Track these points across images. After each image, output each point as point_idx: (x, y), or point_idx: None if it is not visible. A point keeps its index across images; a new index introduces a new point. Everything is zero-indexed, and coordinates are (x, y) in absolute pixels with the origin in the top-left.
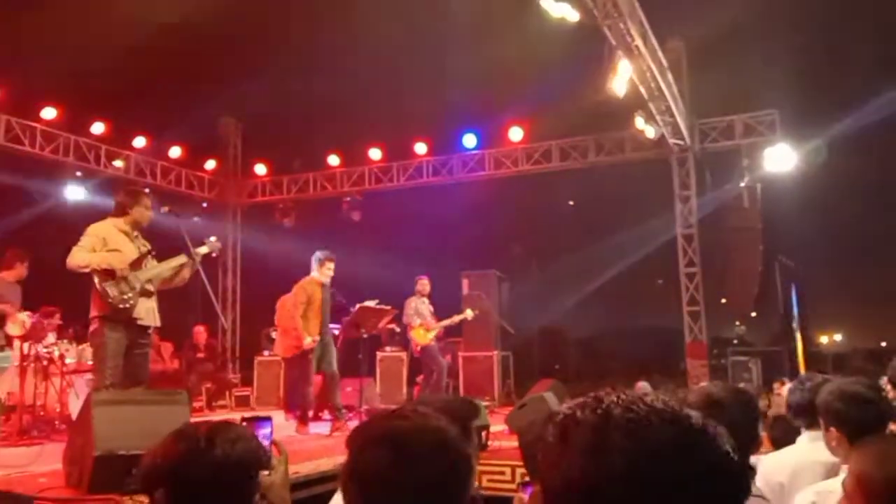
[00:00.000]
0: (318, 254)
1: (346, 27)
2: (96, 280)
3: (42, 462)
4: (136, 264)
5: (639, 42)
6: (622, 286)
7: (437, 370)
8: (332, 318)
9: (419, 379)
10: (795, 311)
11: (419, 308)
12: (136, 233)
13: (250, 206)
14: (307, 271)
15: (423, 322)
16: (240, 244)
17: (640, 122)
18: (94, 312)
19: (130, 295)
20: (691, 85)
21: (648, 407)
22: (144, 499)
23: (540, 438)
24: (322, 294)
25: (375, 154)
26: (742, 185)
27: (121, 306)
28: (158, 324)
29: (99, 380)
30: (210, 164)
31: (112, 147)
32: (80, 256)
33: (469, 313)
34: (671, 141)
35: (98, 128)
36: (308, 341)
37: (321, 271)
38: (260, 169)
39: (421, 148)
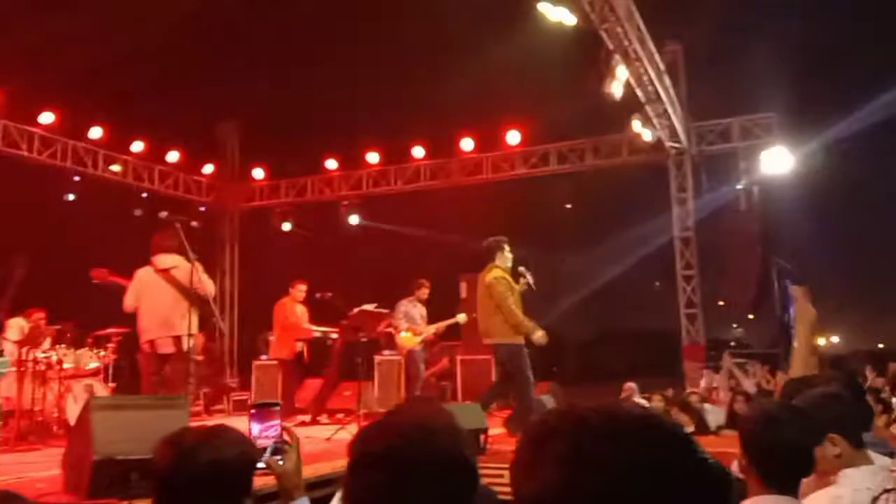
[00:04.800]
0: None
1: (342, 31)
2: None
3: (40, 467)
4: None
5: (636, 45)
6: (620, 289)
7: (415, 377)
8: (329, 321)
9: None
10: (793, 313)
11: (409, 311)
12: None
13: (248, 211)
14: (305, 274)
15: (410, 326)
16: (237, 248)
17: (637, 125)
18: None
19: None
20: (689, 88)
21: (626, 415)
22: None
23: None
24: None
25: (373, 158)
26: (739, 187)
27: None
28: None
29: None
30: (208, 169)
31: (110, 151)
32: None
33: (462, 317)
34: (668, 144)
35: (95, 132)
36: (539, 335)
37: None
38: (258, 173)
39: (418, 152)
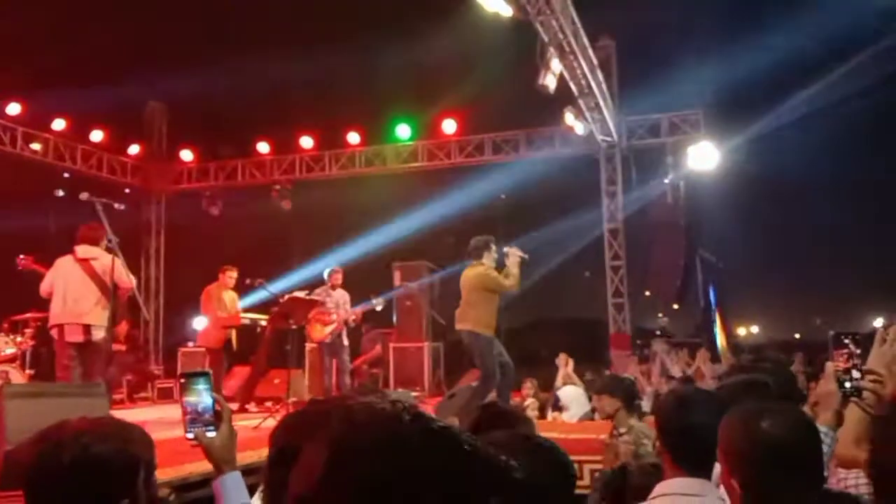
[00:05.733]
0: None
1: (278, 13)
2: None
3: None
4: None
5: (570, 39)
6: (552, 278)
7: (327, 369)
8: (260, 308)
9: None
10: (714, 303)
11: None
12: None
13: (176, 194)
14: (234, 261)
15: (316, 317)
16: (164, 233)
17: (569, 118)
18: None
19: None
20: (620, 83)
21: (392, 413)
22: None
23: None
24: None
25: (307, 142)
26: (666, 181)
27: None
28: None
29: None
30: (134, 149)
31: (29, 129)
32: None
33: (377, 302)
34: (599, 137)
35: (14, 108)
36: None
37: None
38: (186, 155)
39: (354, 137)
